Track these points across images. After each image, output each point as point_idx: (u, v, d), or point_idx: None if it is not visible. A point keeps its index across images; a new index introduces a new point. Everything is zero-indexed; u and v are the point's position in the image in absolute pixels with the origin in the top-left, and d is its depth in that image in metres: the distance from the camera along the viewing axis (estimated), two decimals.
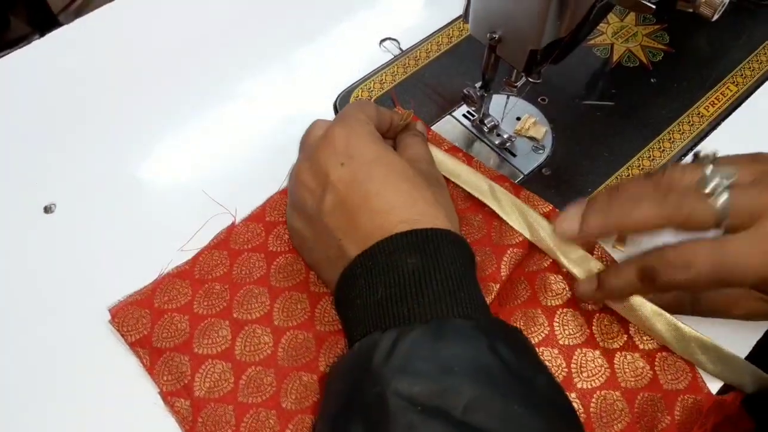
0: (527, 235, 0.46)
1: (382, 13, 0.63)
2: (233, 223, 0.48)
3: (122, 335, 0.43)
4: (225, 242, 0.47)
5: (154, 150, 0.53)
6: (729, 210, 0.35)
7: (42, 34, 0.60)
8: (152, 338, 0.43)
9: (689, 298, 0.43)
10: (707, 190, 0.36)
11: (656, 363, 0.43)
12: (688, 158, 0.52)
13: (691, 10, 0.42)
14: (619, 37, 0.61)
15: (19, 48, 0.59)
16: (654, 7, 0.37)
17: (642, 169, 0.52)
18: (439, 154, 0.49)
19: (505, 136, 0.53)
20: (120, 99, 0.56)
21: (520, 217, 0.46)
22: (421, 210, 0.39)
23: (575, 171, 0.52)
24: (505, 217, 0.46)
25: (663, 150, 0.53)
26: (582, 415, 0.41)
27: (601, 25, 0.61)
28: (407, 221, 0.38)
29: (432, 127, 0.54)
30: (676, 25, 0.62)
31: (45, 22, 1.43)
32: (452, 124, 0.55)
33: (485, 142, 0.54)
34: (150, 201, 0.50)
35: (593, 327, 0.44)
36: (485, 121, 0.53)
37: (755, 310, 0.42)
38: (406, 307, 0.35)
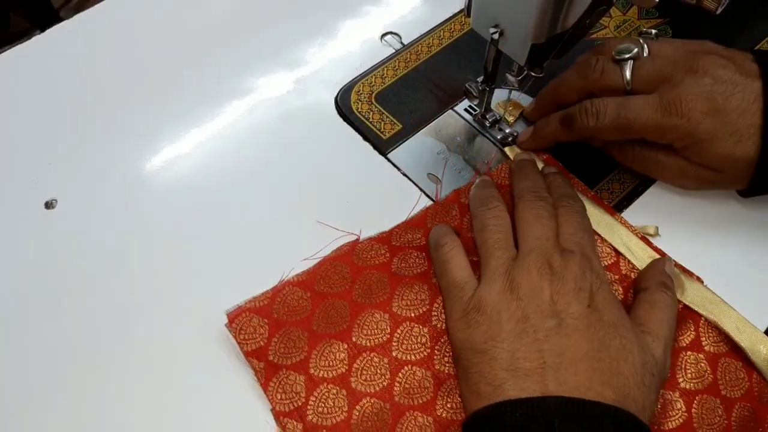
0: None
1: (383, 7, 0.63)
2: (357, 239, 0.47)
3: (238, 343, 0.42)
4: (348, 256, 0.45)
5: (154, 145, 0.53)
6: (632, 77, 0.46)
7: (42, 30, 0.60)
8: (269, 351, 0.42)
9: (631, 151, 0.49)
10: (618, 59, 0.46)
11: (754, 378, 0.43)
12: None
13: (694, 3, 0.41)
14: (622, 31, 0.61)
15: (20, 43, 0.59)
16: (657, 0, 0.37)
17: None
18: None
19: (507, 131, 0.53)
20: (121, 94, 0.56)
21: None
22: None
23: (577, 165, 0.52)
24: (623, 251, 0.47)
25: None
26: (685, 414, 0.41)
27: (603, 18, 0.61)
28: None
29: (433, 122, 0.54)
30: (679, 20, 0.61)
31: (46, 18, 1.43)
32: (454, 119, 0.55)
33: (487, 137, 0.53)
34: (151, 197, 0.50)
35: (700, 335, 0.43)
36: (487, 116, 0.53)
37: (681, 171, 0.47)
38: None
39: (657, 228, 0.48)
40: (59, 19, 0.61)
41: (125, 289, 0.46)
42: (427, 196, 0.50)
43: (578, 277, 0.39)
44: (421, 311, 0.43)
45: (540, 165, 0.50)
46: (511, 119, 0.53)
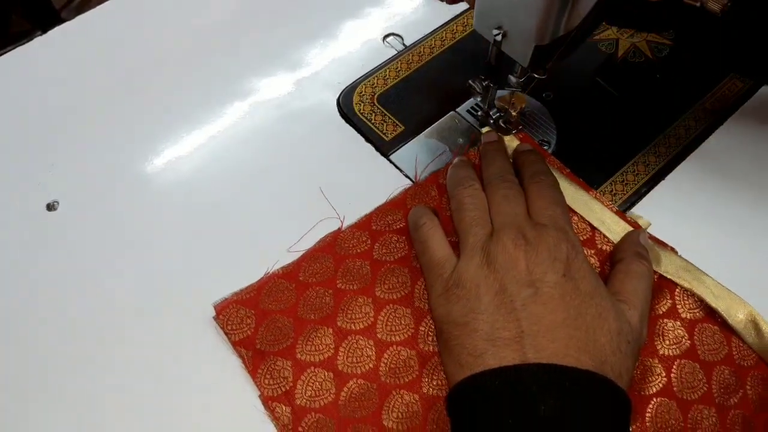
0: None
1: (385, 8, 0.62)
2: (339, 228, 0.47)
3: (226, 334, 0.43)
4: (330, 246, 0.46)
5: (155, 147, 0.53)
6: None
7: (44, 31, 0.60)
8: (256, 339, 0.42)
9: None
10: None
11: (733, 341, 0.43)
12: None
13: (698, 5, 0.41)
14: (624, 32, 0.60)
15: (22, 45, 0.59)
16: None
17: (647, 165, 0.52)
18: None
19: (513, 131, 0.53)
20: (123, 96, 0.56)
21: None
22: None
23: (580, 166, 0.51)
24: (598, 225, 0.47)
25: (669, 146, 0.53)
26: (664, 379, 0.41)
27: None
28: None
29: (436, 124, 0.54)
30: (682, 21, 0.61)
31: (47, 19, 1.43)
32: (456, 120, 0.54)
33: None
34: (151, 199, 0.50)
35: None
36: (491, 113, 0.53)
37: None
38: None
39: (649, 224, 0.48)
40: (60, 21, 0.61)
41: (122, 287, 0.46)
42: None
43: (552, 248, 0.40)
44: (403, 293, 0.44)
45: (515, 143, 0.51)
46: (514, 113, 0.52)
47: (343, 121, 0.54)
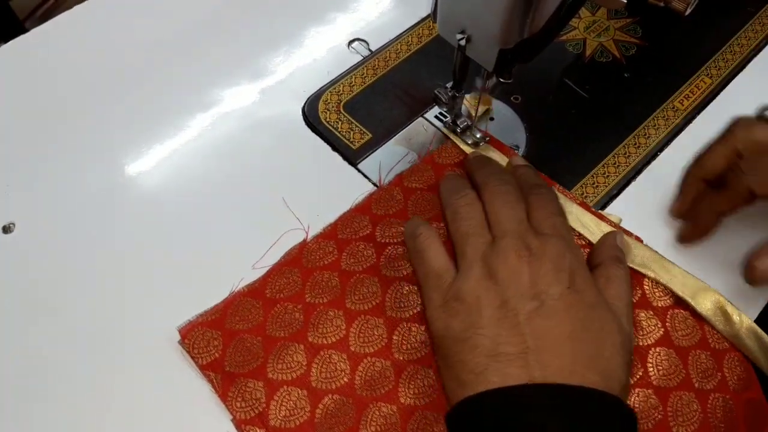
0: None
1: (349, 13, 0.61)
2: (305, 240, 0.46)
3: (192, 358, 0.41)
4: (297, 259, 0.45)
5: (116, 163, 0.51)
6: None
7: (6, 41, 0.58)
8: (224, 362, 0.41)
9: None
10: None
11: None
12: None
13: (662, 4, 0.41)
14: (592, 31, 0.60)
15: None
16: (625, 2, 0.36)
17: (618, 166, 0.51)
18: None
19: (478, 136, 0.52)
20: (81, 111, 0.54)
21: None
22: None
23: (551, 170, 0.51)
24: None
25: (639, 146, 0.52)
26: (641, 370, 0.41)
27: (573, 20, 0.61)
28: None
29: (404, 130, 0.53)
30: (649, 19, 0.61)
31: (10, 29, 1.40)
32: (424, 126, 0.53)
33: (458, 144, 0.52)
34: (112, 218, 0.48)
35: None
36: (458, 122, 0.52)
37: None
38: None
39: (620, 220, 0.48)
40: (24, 31, 0.59)
41: (81, 314, 0.44)
42: None
43: (556, 259, 0.39)
44: (374, 304, 0.43)
45: (489, 151, 0.50)
46: (481, 112, 0.51)
47: (309, 131, 0.53)
